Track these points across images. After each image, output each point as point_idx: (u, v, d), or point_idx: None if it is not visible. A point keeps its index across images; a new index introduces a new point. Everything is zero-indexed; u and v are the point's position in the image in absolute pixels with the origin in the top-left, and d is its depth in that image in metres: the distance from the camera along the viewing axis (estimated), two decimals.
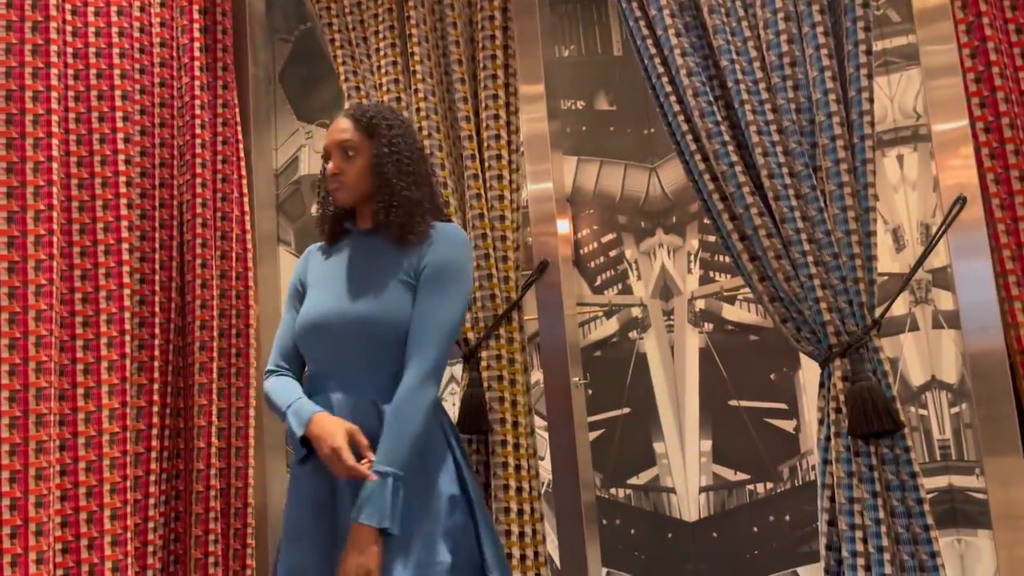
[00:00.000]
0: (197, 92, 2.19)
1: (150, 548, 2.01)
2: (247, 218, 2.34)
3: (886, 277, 2.89)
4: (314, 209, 1.74)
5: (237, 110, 2.35)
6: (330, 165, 1.57)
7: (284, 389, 1.56)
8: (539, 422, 3.28)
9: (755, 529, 3.05)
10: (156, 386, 2.07)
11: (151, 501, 2.03)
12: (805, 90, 1.87)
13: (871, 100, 1.82)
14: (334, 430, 1.41)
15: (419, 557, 1.39)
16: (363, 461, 1.41)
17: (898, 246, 2.88)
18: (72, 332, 1.88)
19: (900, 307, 2.91)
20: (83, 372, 1.87)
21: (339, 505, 1.44)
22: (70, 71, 1.94)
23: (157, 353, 2.08)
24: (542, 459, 3.20)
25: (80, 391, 1.86)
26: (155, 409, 2.06)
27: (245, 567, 2.20)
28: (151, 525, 2.02)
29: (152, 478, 2.04)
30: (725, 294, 3.15)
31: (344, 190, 1.57)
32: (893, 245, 2.90)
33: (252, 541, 2.23)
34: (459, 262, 1.55)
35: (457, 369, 3.61)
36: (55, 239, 1.81)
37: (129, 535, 1.87)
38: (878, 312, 1.82)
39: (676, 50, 1.94)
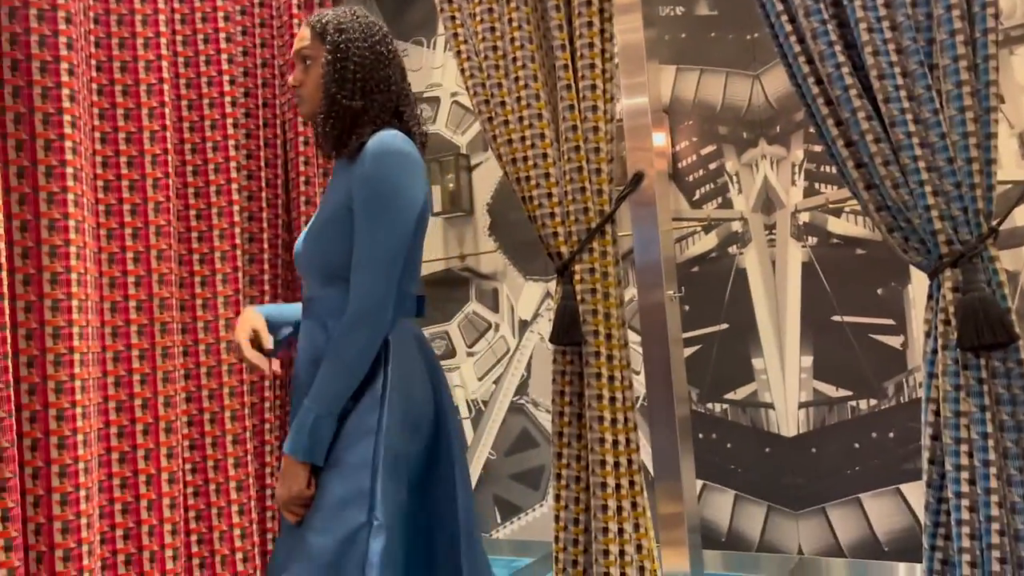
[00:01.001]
0: (295, 11, 2.23)
1: (267, 447, 2.16)
2: None
3: (1009, 185, 2.71)
4: None
5: None
6: (290, 76, 1.49)
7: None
8: (634, 337, 3.29)
9: (856, 446, 3.00)
10: (267, 298, 2.18)
11: (267, 404, 2.17)
12: None
13: None
14: (240, 324, 1.47)
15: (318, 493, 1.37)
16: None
17: None
18: (189, 247, 2.00)
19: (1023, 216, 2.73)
20: (201, 284, 1.99)
21: None
22: None
23: (267, 267, 2.19)
24: (637, 373, 3.22)
25: (199, 301, 1.99)
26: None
27: None
28: (267, 427, 2.17)
29: (267, 383, 2.17)
30: (831, 206, 3.03)
31: (303, 103, 1.48)
32: (1019, 151, 2.70)
33: None
34: (386, 176, 1.38)
35: (552, 284, 3.64)
36: (169, 158, 1.91)
37: (248, 435, 2.01)
38: (995, 220, 1.72)
39: None
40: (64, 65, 1.60)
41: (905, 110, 1.72)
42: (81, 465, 1.62)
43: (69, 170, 1.61)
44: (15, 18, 1.57)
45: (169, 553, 1.83)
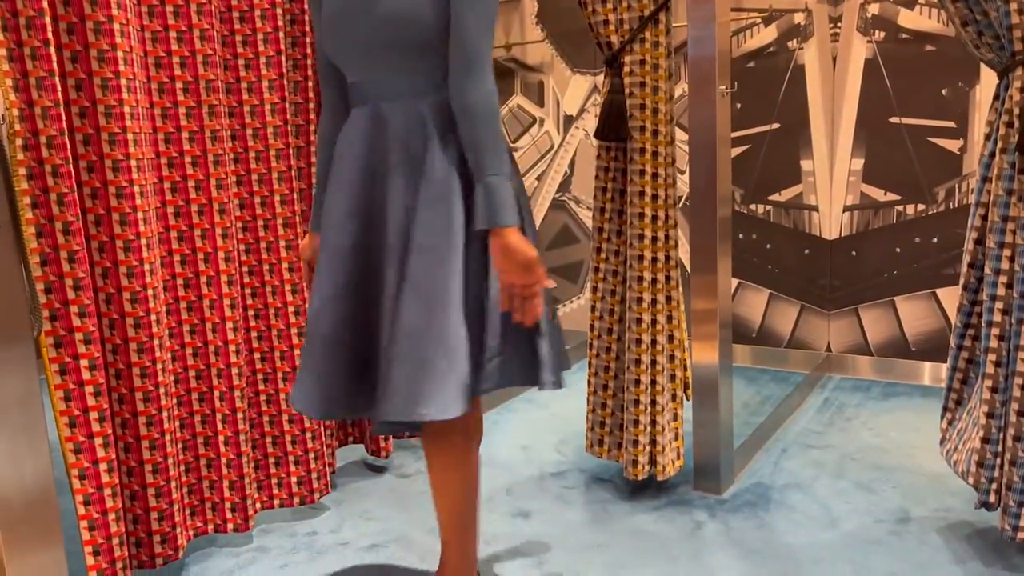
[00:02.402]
0: None
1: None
2: None
3: None
4: None
5: None
6: None
7: (317, 159, 1.64)
8: (681, 135, 3.22)
9: (897, 250, 3.00)
10: (311, 105, 2.17)
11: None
12: None
13: None
14: (302, 250, 1.70)
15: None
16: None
17: None
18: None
19: None
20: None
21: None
22: None
23: (311, 72, 2.15)
24: (682, 173, 3.19)
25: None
26: (311, 106, 2.18)
27: None
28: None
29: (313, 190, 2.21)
30: None
31: None
32: None
33: None
34: None
35: (600, 77, 3.52)
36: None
37: (298, 219, 2.08)
38: None
39: None
40: None
41: None
42: (140, 215, 1.71)
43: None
44: None
45: (227, 302, 1.96)
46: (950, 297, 2.95)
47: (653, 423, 2.15)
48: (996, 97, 1.71)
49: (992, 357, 1.74)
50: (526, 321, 1.41)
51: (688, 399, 2.28)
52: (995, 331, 1.73)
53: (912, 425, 2.65)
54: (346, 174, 1.48)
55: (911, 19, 2.86)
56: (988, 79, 2.72)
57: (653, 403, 2.14)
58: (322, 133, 1.63)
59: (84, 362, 1.62)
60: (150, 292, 1.75)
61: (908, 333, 3.04)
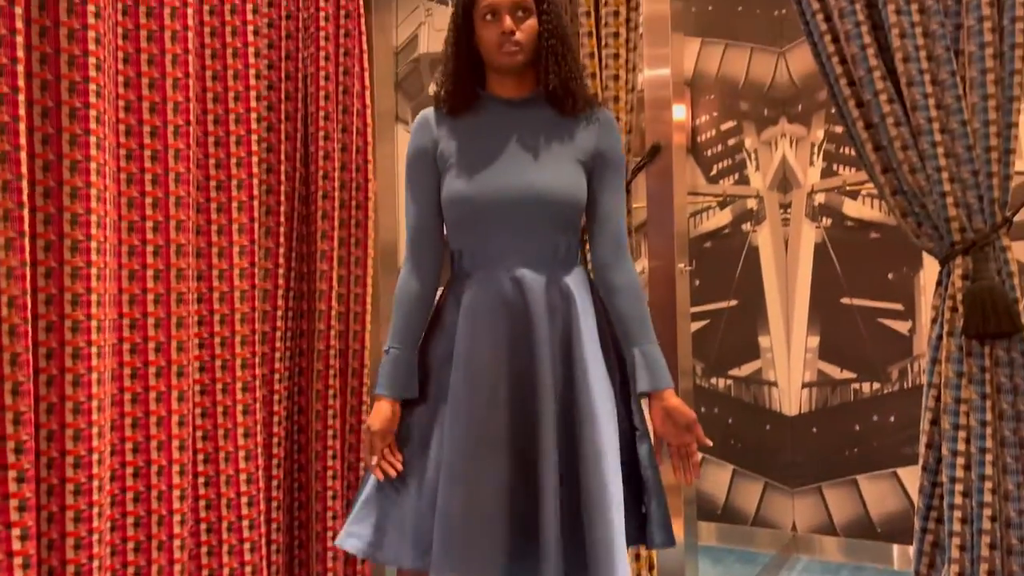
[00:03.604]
0: (322, 3, 2.22)
1: (275, 396, 2.21)
2: (368, 93, 2.40)
3: None
4: (433, 80, 1.70)
5: None
6: (507, 22, 1.48)
7: (401, 320, 1.60)
8: None
9: (857, 427, 3.03)
10: (282, 250, 2.21)
11: (277, 354, 2.21)
12: None
13: None
14: (382, 420, 1.54)
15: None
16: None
17: None
18: (207, 195, 2.02)
19: None
20: (217, 232, 2.02)
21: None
22: None
23: (283, 219, 2.21)
24: None
25: (215, 249, 2.02)
26: (280, 271, 2.21)
27: (360, 422, 2.39)
28: (276, 376, 2.21)
29: (278, 334, 2.21)
30: (848, 188, 3.03)
31: (522, 51, 1.50)
32: None
33: (367, 399, 2.40)
34: (622, 151, 1.65)
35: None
36: (191, 105, 1.92)
37: (258, 383, 2.05)
38: (1010, 211, 1.72)
39: None
40: (91, 8, 1.61)
41: (928, 95, 1.72)
42: (95, 403, 1.67)
43: (93, 112, 1.63)
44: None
45: (176, 493, 1.88)
46: (911, 476, 2.95)
47: None
48: (939, 283, 1.80)
49: (957, 541, 1.72)
50: (686, 480, 1.52)
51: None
52: (957, 514, 1.72)
53: None
54: (485, 343, 1.48)
55: (856, 208, 3.05)
56: (931, 264, 2.87)
57: None
58: (408, 293, 1.60)
59: (14, 502, 1.52)
60: (95, 456, 1.68)
61: (872, 513, 3.01)
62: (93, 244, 1.66)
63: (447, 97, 1.58)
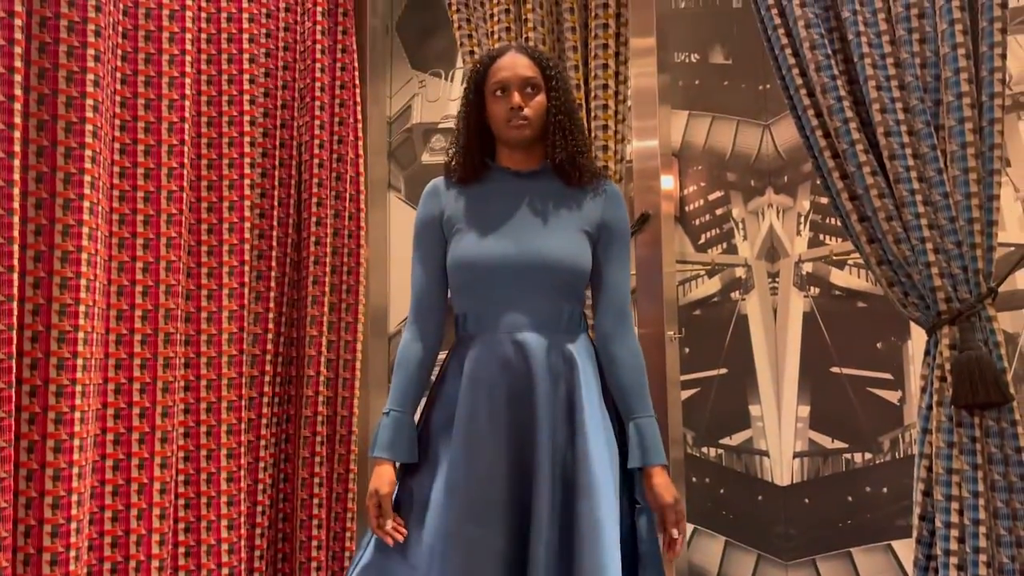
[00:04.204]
0: (319, 36, 2.28)
1: (261, 464, 2.17)
2: (361, 161, 2.43)
3: (1012, 248, 2.74)
4: (445, 151, 1.74)
5: (355, 55, 2.44)
6: (515, 99, 1.54)
7: (404, 382, 1.59)
8: None
9: (849, 498, 2.99)
10: (271, 315, 2.21)
11: (263, 421, 2.18)
12: (932, 44, 1.78)
13: (1004, 56, 1.72)
14: (389, 483, 1.52)
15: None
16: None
17: None
18: (198, 260, 2.03)
19: None
20: (207, 297, 2.02)
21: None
22: (203, 14, 2.06)
23: (273, 284, 2.21)
24: None
25: (204, 315, 2.02)
26: (269, 336, 2.20)
27: (348, 490, 2.35)
28: (263, 443, 2.18)
29: (265, 400, 2.19)
30: (835, 258, 3.06)
31: (530, 126, 1.56)
32: (1023, 215, 2.73)
33: (355, 467, 2.37)
34: (628, 223, 1.65)
35: None
36: (185, 172, 1.94)
37: (243, 449, 2.02)
38: (995, 281, 1.74)
39: (794, 0, 1.88)
40: (90, 76, 1.64)
41: (910, 167, 1.75)
42: (75, 470, 1.64)
43: (87, 178, 1.65)
44: (45, 28, 1.62)
45: (156, 564, 1.83)
46: (905, 549, 2.90)
47: None
48: (927, 353, 1.80)
49: None
50: (672, 553, 1.51)
51: None
52: None
53: None
54: (484, 406, 1.48)
55: (843, 278, 3.07)
56: (919, 334, 2.88)
57: None
58: (410, 356, 1.60)
59: None
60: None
61: None
62: (82, 308, 1.66)
63: (457, 167, 1.63)
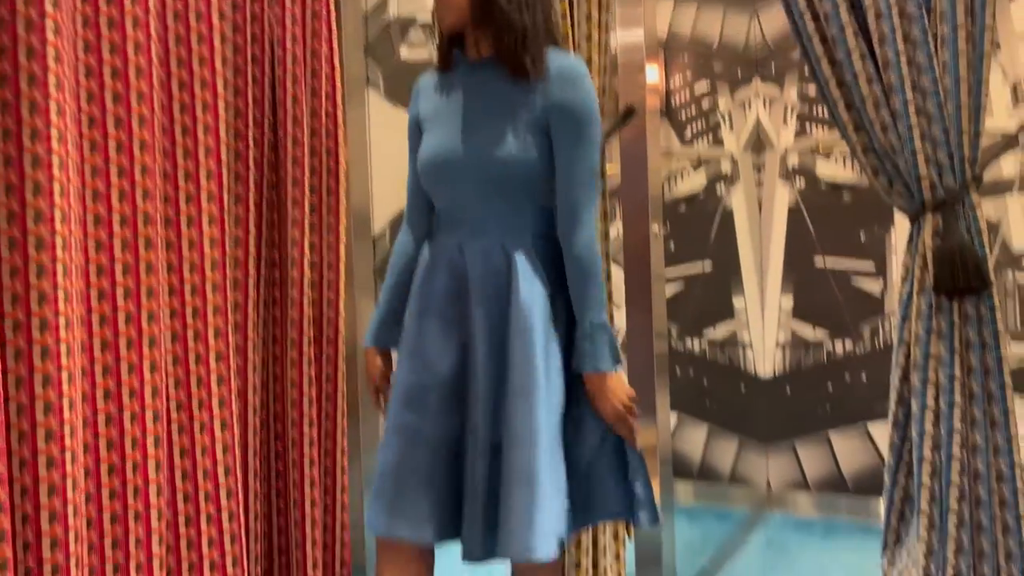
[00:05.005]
0: None
1: (250, 365, 2.19)
2: (336, 57, 2.35)
3: (999, 138, 2.72)
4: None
5: None
6: None
7: (390, 274, 1.64)
8: (617, 273, 3.31)
9: (829, 387, 3.07)
10: (252, 216, 2.18)
11: (250, 323, 2.19)
12: None
13: None
14: (369, 369, 1.64)
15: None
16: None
17: (1016, 101, 2.68)
18: (174, 163, 1.98)
19: (1010, 167, 2.75)
20: (185, 200, 1.98)
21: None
22: None
23: (252, 185, 2.17)
24: (619, 307, 3.25)
25: (183, 217, 1.98)
26: (251, 239, 2.18)
27: (336, 389, 2.38)
28: (250, 344, 2.19)
29: (251, 303, 2.18)
30: (821, 149, 3.03)
31: (448, 11, 1.46)
32: (1011, 100, 2.70)
33: (343, 366, 2.39)
34: (587, 102, 1.46)
35: None
36: (154, 70, 1.87)
37: (231, 351, 2.03)
38: (980, 168, 1.73)
39: None
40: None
41: (900, 52, 1.71)
42: (65, 375, 1.64)
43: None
44: None
45: (152, 464, 1.87)
46: (881, 433, 3.01)
47: (595, 565, 2.08)
48: (910, 241, 1.81)
49: (926, 495, 1.75)
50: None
51: (630, 538, 2.22)
52: (927, 468, 1.75)
53: (854, 565, 2.62)
54: (436, 301, 1.50)
55: (828, 169, 3.06)
56: (902, 224, 2.90)
57: (595, 544, 2.08)
58: (399, 250, 1.65)
59: None
60: (67, 428, 1.66)
61: (844, 469, 3.07)
62: (57, 213, 1.62)
63: (437, 57, 1.60)
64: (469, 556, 1.43)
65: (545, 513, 1.38)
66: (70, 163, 1.69)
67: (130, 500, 1.85)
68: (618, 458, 1.50)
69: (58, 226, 1.63)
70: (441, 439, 1.46)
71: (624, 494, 1.50)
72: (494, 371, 1.44)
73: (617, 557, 2.13)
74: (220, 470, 2.00)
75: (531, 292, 1.45)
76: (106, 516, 1.84)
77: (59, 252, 1.64)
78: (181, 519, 1.98)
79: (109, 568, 1.84)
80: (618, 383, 1.45)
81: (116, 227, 1.85)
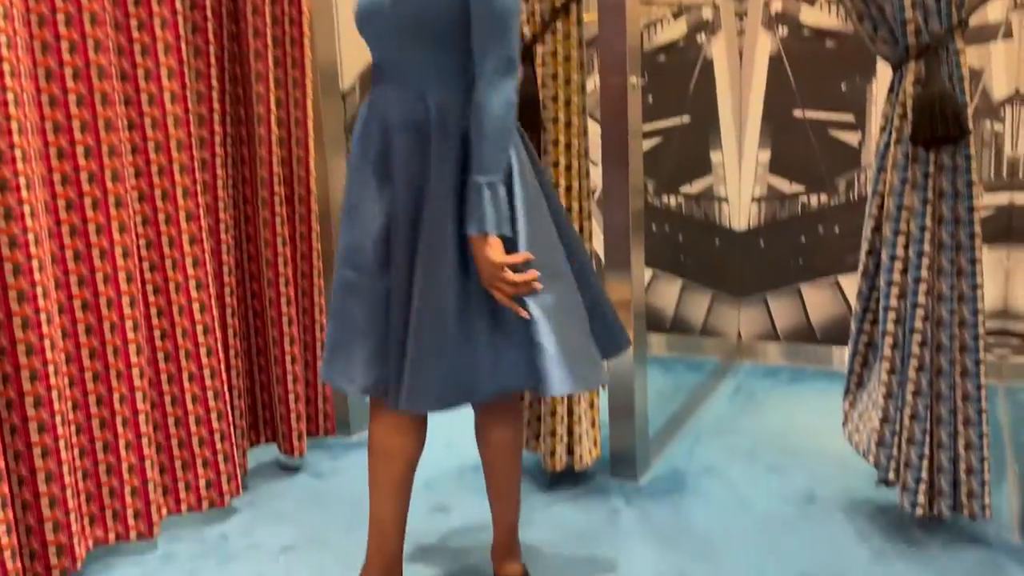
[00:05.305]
0: None
1: (222, 225, 2.16)
2: None
3: None
4: None
5: None
6: None
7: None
8: (594, 128, 3.25)
9: (802, 239, 3.10)
10: (214, 71, 2.09)
11: (219, 182, 2.14)
12: None
13: None
14: None
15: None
16: None
17: None
18: (125, 11, 1.87)
19: (996, 11, 2.67)
20: (140, 53, 1.89)
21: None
22: None
23: (211, 38, 2.07)
24: (595, 164, 3.22)
25: (140, 71, 1.89)
26: (215, 95, 2.10)
27: (312, 248, 2.37)
28: (221, 205, 2.16)
29: (218, 161, 2.13)
30: None
31: None
32: None
33: (317, 225, 2.37)
34: None
35: None
36: None
37: (201, 212, 1.99)
38: (967, 12, 1.67)
39: None
40: None
41: None
42: (31, 236, 1.61)
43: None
44: None
45: (129, 324, 1.87)
46: (851, 284, 3.07)
47: (570, 413, 2.15)
48: (891, 90, 1.78)
49: (889, 340, 1.81)
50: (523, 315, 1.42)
51: (604, 388, 2.30)
52: (891, 315, 1.80)
53: (818, 408, 2.74)
54: (370, 153, 1.48)
55: (812, 15, 2.95)
56: (883, 75, 2.83)
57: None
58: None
59: None
60: (39, 289, 1.65)
61: (813, 320, 3.15)
62: (10, 96, 1.54)
63: None
64: (392, 404, 1.48)
65: (426, 371, 1.40)
66: (18, 40, 1.59)
67: (110, 359, 1.87)
68: (520, 323, 1.46)
69: (12, 109, 1.56)
70: (377, 293, 1.48)
71: (527, 361, 1.47)
72: (411, 234, 1.44)
73: (592, 405, 2.21)
74: (199, 329, 2.01)
75: (450, 145, 1.42)
76: (88, 375, 1.86)
77: (16, 138, 1.57)
78: (163, 377, 2.01)
79: (95, 424, 1.88)
80: (493, 247, 1.38)
81: (69, 82, 1.76)
